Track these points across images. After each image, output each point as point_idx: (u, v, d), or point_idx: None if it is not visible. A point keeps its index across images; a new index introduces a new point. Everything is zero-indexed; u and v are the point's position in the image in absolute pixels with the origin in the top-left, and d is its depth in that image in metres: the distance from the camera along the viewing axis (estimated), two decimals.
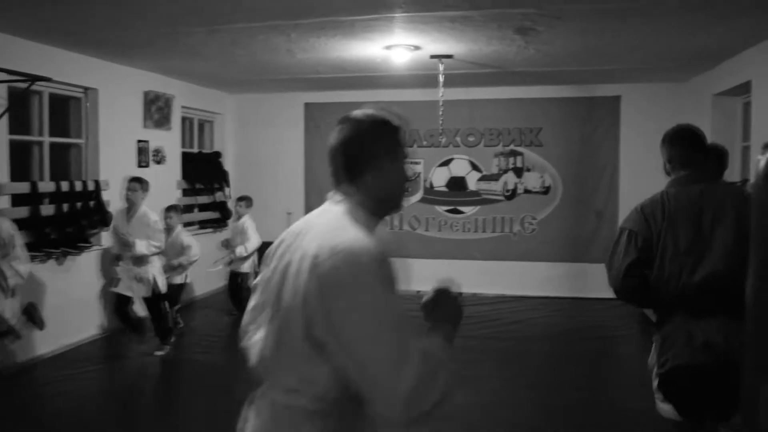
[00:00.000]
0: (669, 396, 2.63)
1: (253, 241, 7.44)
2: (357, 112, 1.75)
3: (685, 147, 2.76)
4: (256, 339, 1.65)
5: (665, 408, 2.67)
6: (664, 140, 2.87)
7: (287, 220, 9.24)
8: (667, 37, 5.51)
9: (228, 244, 7.71)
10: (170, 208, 6.62)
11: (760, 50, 5.64)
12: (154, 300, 5.95)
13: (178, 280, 6.54)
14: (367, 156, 1.67)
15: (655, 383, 2.69)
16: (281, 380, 1.58)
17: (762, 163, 0.72)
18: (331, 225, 1.61)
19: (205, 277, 7.99)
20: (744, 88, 6.17)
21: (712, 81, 7.02)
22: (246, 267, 7.54)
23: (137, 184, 5.79)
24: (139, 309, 6.23)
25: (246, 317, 1.77)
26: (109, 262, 6.28)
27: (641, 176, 7.47)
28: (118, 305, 5.99)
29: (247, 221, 7.41)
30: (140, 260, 5.79)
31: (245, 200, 7.52)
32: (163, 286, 5.99)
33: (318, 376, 1.50)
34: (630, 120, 8.29)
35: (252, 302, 1.77)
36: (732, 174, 6.69)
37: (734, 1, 4.42)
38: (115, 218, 6.03)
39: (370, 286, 1.46)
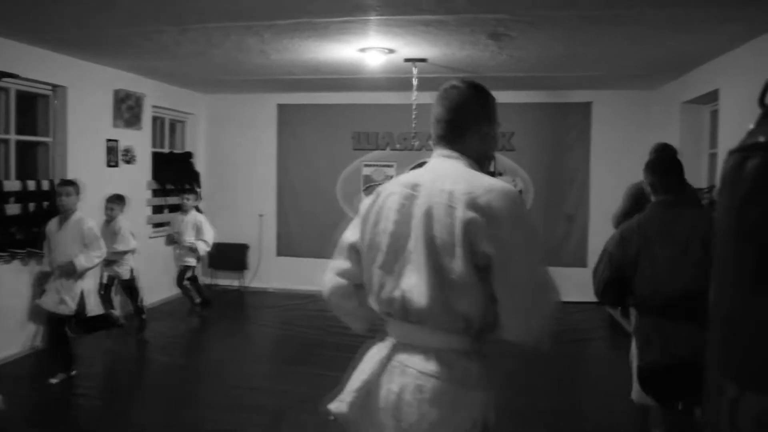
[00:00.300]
0: (646, 388, 3.03)
1: (210, 234, 7.62)
2: (461, 83, 1.96)
3: (663, 175, 3.11)
4: (403, 289, 1.75)
5: (643, 395, 3.12)
6: (647, 167, 3.22)
7: (259, 222, 9.20)
8: (638, 45, 5.59)
9: (173, 240, 7.74)
10: (112, 199, 6.44)
11: (728, 59, 5.75)
12: (66, 321, 5.23)
13: (126, 275, 6.52)
14: (472, 120, 1.90)
15: (635, 375, 3.17)
16: (439, 320, 1.70)
17: (726, 170, 0.73)
18: (465, 172, 1.79)
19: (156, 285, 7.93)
20: (712, 97, 6.28)
21: (680, 89, 7.15)
22: (193, 260, 7.63)
23: (70, 187, 5.24)
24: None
25: (375, 276, 1.85)
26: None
27: (611, 181, 7.56)
28: (50, 322, 5.34)
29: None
30: (69, 273, 5.16)
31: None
32: (92, 306, 5.41)
33: (472, 309, 1.68)
34: (601, 126, 8.40)
35: (379, 260, 1.84)
36: (699, 180, 6.82)
37: (703, 12, 4.50)
38: (49, 225, 5.36)
39: (526, 219, 1.72)
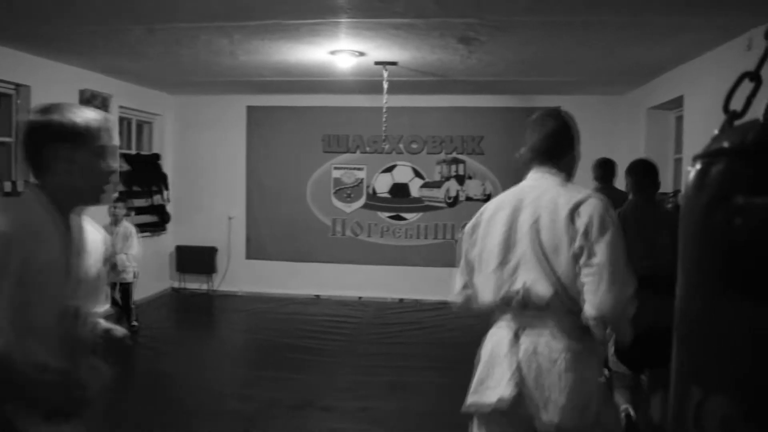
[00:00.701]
0: (621, 357, 3.69)
1: (136, 248, 6.88)
2: (562, 111, 2.54)
3: (635, 177, 3.96)
4: (523, 285, 2.19)
5: (618, 364, 3.80)
6: (626, 171, 4.12)
7: (228, 225, 9.11)
8: (605, 51, 5.67)
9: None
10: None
11: (692, 67, 5.86)
12: None
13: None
14: (567, 144, 2.39)
15: (612, 349, 3.69)
16: (556, 305, 2.15)
17: (691, 175, 0.74)
18: (567, 187, 2.31)
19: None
20: (677, 103, 6.40)
21: (646, 95, 7.27)
22: (130, 275, 6.82)
23: None
24: None
25: (490, 278, 2.28)
26: None
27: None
28: None
29: (128, 223, 6.89)
30: None
31: (122, 201, 6.78)
32: None
33: (577, 293, 2.13)
34: None
35: (493, 264, 2.28)
36: (665, 185, 6.93)
37: (668, 20, 4.59)
38: None
39: (613, 223, 2.16)
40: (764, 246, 0.65)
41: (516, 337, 2.21)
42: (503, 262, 2.24)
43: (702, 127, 5.62)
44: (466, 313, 2.50)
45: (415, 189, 8.85)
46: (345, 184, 8.98)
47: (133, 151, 8.56)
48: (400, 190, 8.90)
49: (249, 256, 9.18)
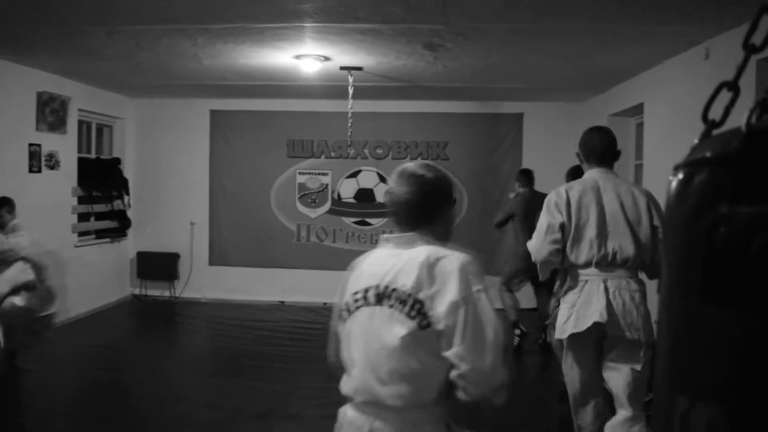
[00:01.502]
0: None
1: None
2: (605, 129, 3.58)
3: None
4: (614, 247, 3.12)
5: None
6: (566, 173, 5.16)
7: (191, 230, 8.98)
8: (567, 59, 5.76)
9: None
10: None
11: (652, 74, 5.99)
12: None
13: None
14: (616, 152, 3.38)
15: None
16: (637, 262, 3.15)
17: (673, 185, 0.74)
18: (628, 182, 3.72)
19: None
20: (638, 110, 6.53)
21: (608, 102, 7.40)
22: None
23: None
24: None
25: (586, 242, 3.16)
26: None
27: (542, 189, 7.73)
28: None
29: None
30: None
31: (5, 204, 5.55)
32: None
33: (651, 255, 3.16)
34: (532, 136, 8.61)
35: (591, 232, 3.17)
36: None
37: (628, 29, 4.68)
38: None
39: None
40: (747, 255, 0.65)
41: (604, 282, 3.11)
42: (600, 233, 3.13)
43: (662, 133, 5.74)
44: (546, 265, 3.29)
45: (381, 194, 8.84)
46: (310, 190, 8.93)
47: (93, 155, 8.37)
48: (365, 196, 8.88)
49: (212, 262, 9.06)
